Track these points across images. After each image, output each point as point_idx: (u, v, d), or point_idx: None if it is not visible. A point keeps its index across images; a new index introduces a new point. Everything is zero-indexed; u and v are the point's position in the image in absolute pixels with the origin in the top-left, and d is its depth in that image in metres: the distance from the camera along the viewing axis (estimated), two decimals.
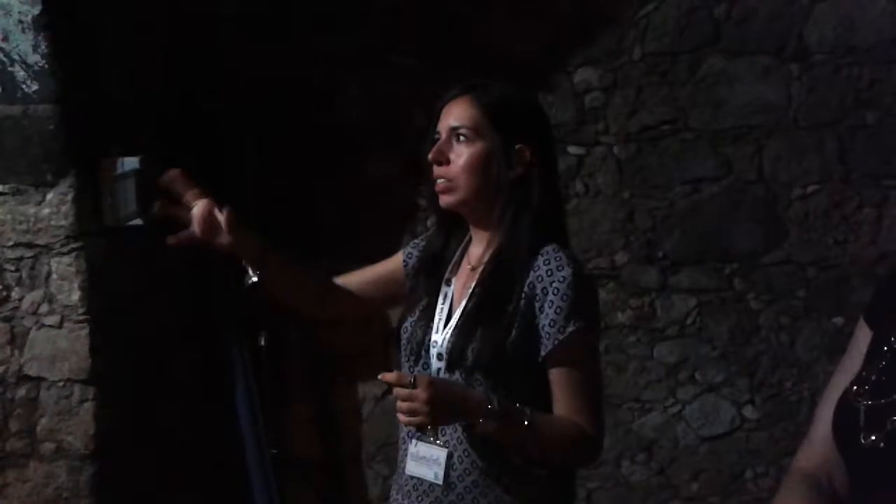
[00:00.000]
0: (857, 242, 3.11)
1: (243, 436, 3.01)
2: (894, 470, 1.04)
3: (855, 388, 1.13)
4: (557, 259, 1.63)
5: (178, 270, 2.93)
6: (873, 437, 1.06)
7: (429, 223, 3.29)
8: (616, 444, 3.21)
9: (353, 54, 3.17)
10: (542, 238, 1.67)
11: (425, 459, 1.65)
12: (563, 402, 1.62)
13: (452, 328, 1.67)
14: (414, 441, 1.68)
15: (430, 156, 1.70)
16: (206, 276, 3.02)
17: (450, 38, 3.14)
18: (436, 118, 1.74)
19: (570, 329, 1.59)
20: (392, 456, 3.38)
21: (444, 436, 1.65)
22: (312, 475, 3.40)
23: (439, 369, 1.68)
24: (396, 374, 1.56)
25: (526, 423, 1.56)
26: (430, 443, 1.65)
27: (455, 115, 1.70)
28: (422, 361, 1.71)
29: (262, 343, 3.14)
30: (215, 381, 3.04)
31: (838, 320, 3.13)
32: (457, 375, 1.63)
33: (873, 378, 1.11)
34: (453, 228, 1.80)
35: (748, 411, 3.20)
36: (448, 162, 1.68)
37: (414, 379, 1.53)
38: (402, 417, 1.55)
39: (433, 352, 1.69)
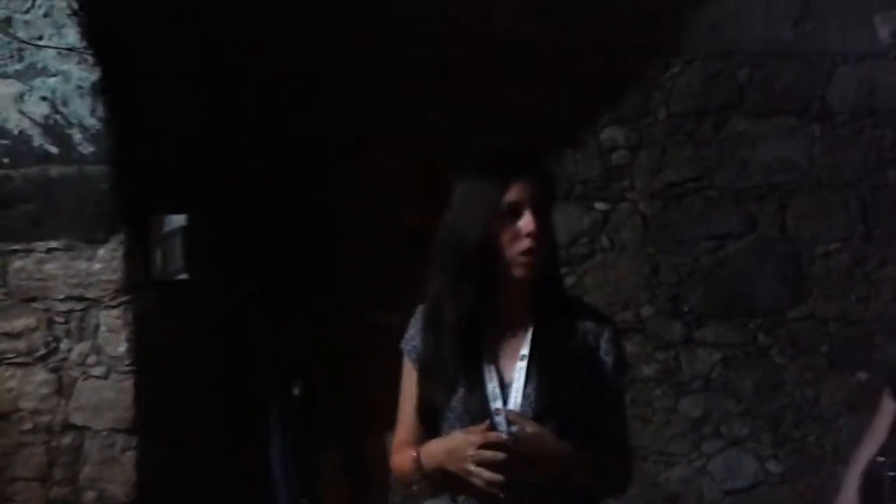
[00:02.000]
0: (879, 299, 3.18)
1: (276, 485, 3.08)
2: None
3: (881, 458, 1.19)
4: (596, 314, 1.77)
5: (218, 323, 3.03)
6: None
7: None
8: (641, 497, 3.25)
9: (385, 113, 3.28)
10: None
11: None
12: (605, 435, 1.71)
13: (521, 391, 1.71)
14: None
15: (527, 228, 1.69)
16: (244, 329, 3.12)
17: (475, 94, 3.25)
18: (505, 184, 1.71)
19: (620, 372, 1.74)
20: None
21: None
22: None
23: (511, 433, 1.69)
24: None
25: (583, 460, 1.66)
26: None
27: (538, 192, 1.72)
28: None
29: (297, 392, 3.21)
30: (250, 431, 3.11)
31: (861, 376, 3.17)
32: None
33: None
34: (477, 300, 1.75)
35: (772, 465, 3.24)
36: (541, 238, 1.71)
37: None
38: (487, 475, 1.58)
39: (498, 419, 1.69)
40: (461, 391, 1.73)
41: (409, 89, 3.24)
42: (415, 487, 1.77)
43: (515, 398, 1.71)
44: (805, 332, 3.23)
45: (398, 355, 3.57)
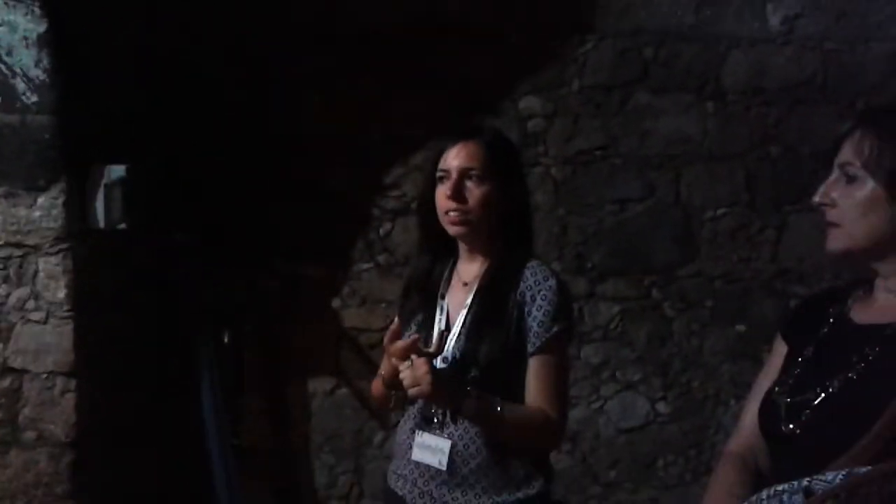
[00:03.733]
0: (759, 260, 3.54)
1: (206, 425, 3.22)
2: (807, 452, 1.37)
3: (777, 388, 1.47)
4: (543, 272, 1.96)
5: (152, 271, 3.12)
6: (791, 426, 1.39)
7: (381, 231, 3.58)
8: None
9: (316, 73, 3.41)
10: (527, 254, 2.00)
11: (430, 448, 1.91)
12: (536, 390, 1.91)
13: (457, 335, 1.94)
14: (420, 432, 1.95)
15: (445, 192, 1.94)
16: (176, 277, 3.22)
17: (405, 61, 3.41)
18: (437, 157, 2.00)
19: (554, 329, 1.90)
20: (339, 447, 3.67)
21: (447, 428, 1.91)
22: (264, 464, 3.62)
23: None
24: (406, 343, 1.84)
25: (499, 408, 1.86)
26: (434, 434, 1.92)
27: (465, 157, 1.96)
28: None
29: (226, 339, 3.34)
30: (182, 374, 3.23)
31: (740, 327, 3.55)
32: (471, 375, 1.89)
33: (791, 381, 1.45)
34: (439, 252, 2.06)
35: (661, 406, 3.59)
36: (463, 199, 1.94)
37: (413, 360, 1.83)
38: (407, 384, 1.81)
39: (437, 358, 1.93)
40: (414, 327, 2.00)
41: (342, 55, 3.37)
42: (391, 405, 1.99)
43: (450, 340, 1.95)
44: (693, 288, 3.55)
45: (320, 306, 3.75)
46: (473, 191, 1.95)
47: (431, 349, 1.89)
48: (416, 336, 1.89)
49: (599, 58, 3.46)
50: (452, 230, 1.97)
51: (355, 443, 3.60)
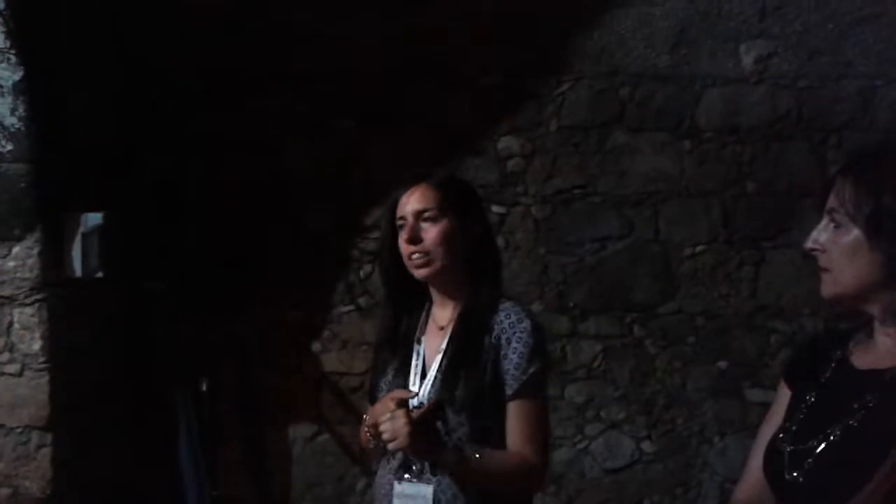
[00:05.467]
0: (738, 296, 3.56)
1: (184, 477, 3.14)
2: (811, 501, 1.36)
3: (780, 435, 1.46)
4: (517, 314, 1.94)
5: (127, 320, 3.06)
6: (795, 474, 1.38)
7: (361, 273, 3.55)
8: None
9: (295, 116, 3.40)
10: (497, 294, 1.98)
11: (411, 497, 1.89)
12: (516, 432, 1.89)
13: (432, 379, 1.92)
14: (399, 481, 1.92)
15: (403, 238, 1.95)
16: (152, 325, 3.16)
17: (385, 103, 3.42)
18: (392, 208, 2.00)
19: (530, 370, 1.89)
20: (321, 495, 3.60)
21: (425, 475, 1.89)
22: None
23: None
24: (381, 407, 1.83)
25: (477, 456, 1.84)
26: (414, 482, 1.89)
27: (418, 199, 1.97)
28: None
29: (204, 388, 3.27)
30: (158, 425, 3.16)
31: (722, 364, 3.55)
32: (445, 417, 1.88)
33: (794, 428, 1.44)
34: (406, 300, 2.05)
35: (646, 445, 3.57)
36: (420, 240, 1.95)
37: (394, 411, 1.81)
38: (386, 437, 1.80)
39: (413, 402, 1.93)
40: (390, 374, 1.99)
41: (321, 97, 3.37)
42: (370, 447, 1.98)
43: (426, 387, 1.94)
44: (674, 325, 3.55)
45: (300, 351, 3.71)
46: (429, 230, 1.95)
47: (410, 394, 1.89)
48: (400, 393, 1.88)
49: (576, 98, 3.49)
50: (417, 273, 1.97)
51: (337, 491, 3.54)
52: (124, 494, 3.01)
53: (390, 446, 1.83)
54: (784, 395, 1.53)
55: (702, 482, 3.50)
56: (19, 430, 2.67)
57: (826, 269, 1.43)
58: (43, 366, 2.68)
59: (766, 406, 1.59)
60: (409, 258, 1.96)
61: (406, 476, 1.90)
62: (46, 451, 2.69)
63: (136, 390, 3.16)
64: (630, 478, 3.56)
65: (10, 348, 2.67)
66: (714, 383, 3.55)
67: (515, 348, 1.89)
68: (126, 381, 3.11)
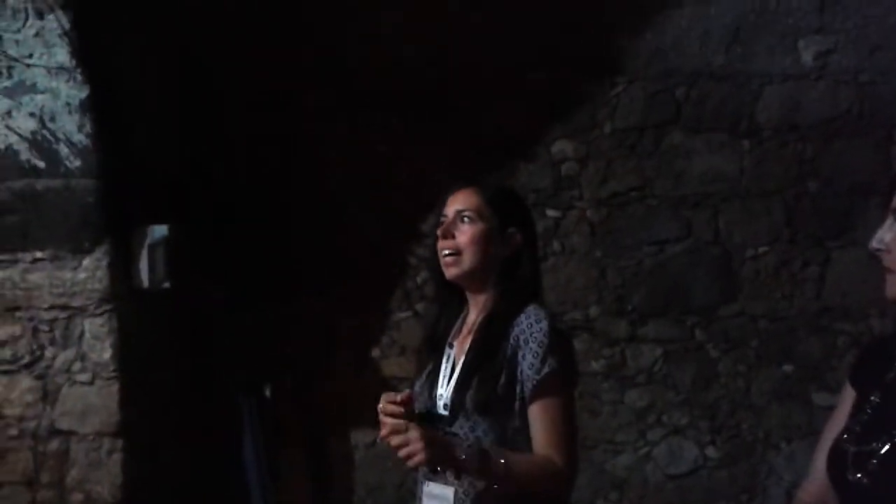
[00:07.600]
0: (802, 297, 3.48)
1: (250, 482, 3.21)
2: (875, 501, 1.35)
3: (844, 436, 1.43)
4: (536, 315, 1.92)
5: (193, 329, 3.14)
6: (859, 475, 1.35)
7: (418, 280, 3.58)
8: (590, 484, 3.49)
9: (339, 110, 3.43)
10: (524, 301, 1.97)
11: (437, 497, 1.90)
12: (539, 436, 1.87)
13: (454, 383, 1.93)
14: (426, 482, 1.93)
15: (438, 231, 1.98)
16: (213, 335, 3.24)
17: (436, 107, 3.44)
18: (443, 204, 2.03)
19: (545, 371, 1.86)
20: (382, 500, 3.63)
21: (452, 475, 1.89)
22: None
23: (444, 417, 1.93)
24: (391, 424, 1.81)
25: (502, 461, 1.82)
26: (439, 482, 1.89)
27: (461, 201, 2.00)
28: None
29: (268, 394, 3.34)
30: (224, 431, 3.23)
31: (787, 367, 3.48)
32: (461, 420, 1.89)
33: (858, 429, 1.41)
34: (448, 302, 2.06)
35: (710, 451, 3.51)
36: (454, 237, 1.97)
37: (407, 427, 1.80)
38: (402, 454, 1.79)
39: (440, 403, 1.94)
40: (423, 377, 2.00)
41: (370, 110, 3.41)
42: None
43: (448, 390, 1.93)
44: (736, 327, 3.49)
45: (359, 357, 3.74)
46: (465, 230, 1.97)
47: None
48: (406, 394, 1.86)
49: (631, 100, 3.47)
50: (447, 272, 1.98)
51: (398, 495, 3.56)
52: (192, 499, 3.07)
53: (409, 463, 1.82)
54: (849, 395, 1.50)
55: (767, 488, 3.43)
56: (91, 437, 2.75)
57: (891, 271, 1.40)
58: (113, 374, 2.76)
59: (833, 410, 1.56)
60: (442, 255, 1.98)
61: (433, 477, 1.91)
62: (117, 457, 2.77)
63: (202, 397, 3.23)
64: (694, 484, 3.50)
65: (82, 358, 2.76)
66: (779, 387, 3.48)
67: (531, 349, 1.88)
68: (192, 388, 3.18)
